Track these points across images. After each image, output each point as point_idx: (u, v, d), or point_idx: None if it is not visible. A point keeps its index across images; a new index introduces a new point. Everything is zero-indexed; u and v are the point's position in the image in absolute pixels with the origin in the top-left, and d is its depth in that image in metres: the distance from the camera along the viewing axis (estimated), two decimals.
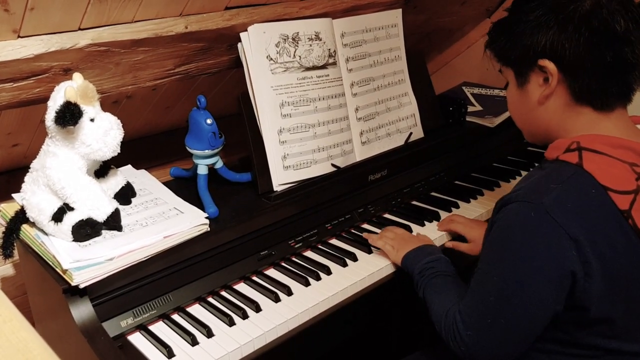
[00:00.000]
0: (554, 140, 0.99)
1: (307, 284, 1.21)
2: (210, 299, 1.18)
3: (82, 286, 1.01)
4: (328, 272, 1.25)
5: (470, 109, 1.84)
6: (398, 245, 1.26)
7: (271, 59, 1.33)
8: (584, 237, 0.86)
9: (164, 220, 1.17)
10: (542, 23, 0.92)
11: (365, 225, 1.45)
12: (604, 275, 0.87)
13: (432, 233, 1.40)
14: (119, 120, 1.12)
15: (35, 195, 1.10)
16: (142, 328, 1.10)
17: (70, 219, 1.08)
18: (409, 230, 1.41)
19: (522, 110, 1.03)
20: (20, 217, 1.14)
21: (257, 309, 1.14)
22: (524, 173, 1.72)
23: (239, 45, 1.31)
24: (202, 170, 1.29)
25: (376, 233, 1.40)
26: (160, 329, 1.10)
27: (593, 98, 0.93)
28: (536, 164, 1.75)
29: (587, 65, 0.90)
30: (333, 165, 1.44)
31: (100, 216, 1.11)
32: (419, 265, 1.16)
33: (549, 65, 0.92)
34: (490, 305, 0.93)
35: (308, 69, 1.39)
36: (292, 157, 1.37)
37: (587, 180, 0.88)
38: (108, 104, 1.30)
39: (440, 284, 1.11)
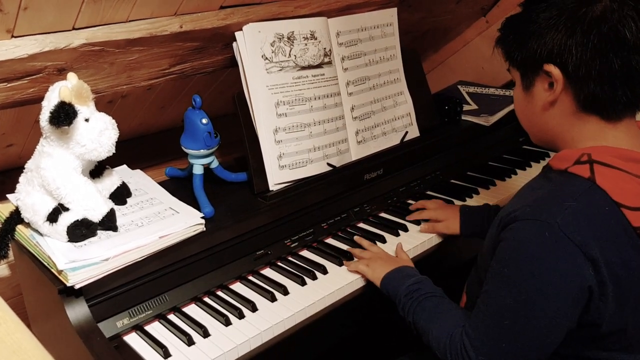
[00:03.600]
0: (560, 146, 0.95)
1: (303, 283, 1.21)
2: (207, 299, 1.18)
3: (77, 287, 1.01)
4: (324, 271, 1.25)
5: (465, 107, 1.84)
6: (374, 264, 1.22)
7: (266, 58, 1.33)
8: (600, 257, 0.83)
9: (160, 220, 1.17)
10: (550, 26, 0.88)
11: (362, 225, 1.45)
12: (616, 294, 0.85)
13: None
14: (113, 120, 1.12)
15: (30, 196, 1.10)
16: (138, 328, 1.09)
17: (66, 220, 1.07)
18: (405, 229, 1.41)
19: (527, 114, 0.99)
20: (15, 217, 1.14)
21: (253, 308, 1.13)
22: (519, 171, 1.72)
23: (234, 44, 1.31)
24: (198, 170, 1.29)
25: (372, 232, 1.40)
26: (156, 329, 1.10)
27: (599, 107, 0.89)
28: (532, 163, 1.77)
29: (594, 72, 0.86)
30: (329, 164, 1.44)
31: (96, 216, 1.10)
32: (403, 287, 1.11)
33: (554, 70, 0.88)
34: (505, 328, 0.89)
35: (303, 68, 1.39)
36: (287, 156, 1.36)
37: (601, 197, 0.85)
38: (103, 104, 1.30)
39: (433, 306, 1.06)
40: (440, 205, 1.44)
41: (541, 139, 1.01)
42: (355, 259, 1.28)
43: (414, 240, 1.36)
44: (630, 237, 0.85)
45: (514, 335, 0.88)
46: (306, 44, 1.39)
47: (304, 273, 1.24)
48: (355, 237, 1.35)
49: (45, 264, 1.07)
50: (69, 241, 1.08)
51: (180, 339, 1.06)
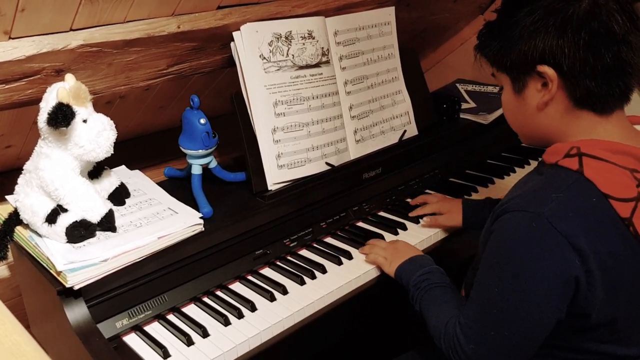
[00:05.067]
0: (552, 143, 0.96)
1: (302, 282, 1.21)
2: (206, 299, 1.18)
3: (76, 288, 1.01)
4: (323, 270, 1.25)
5: (464, 106, 1.84)
6: (391, 256, 1.24)
7: (264, 58, 1.33)
8: (587, 247, 0.84)
9: (158, 220, 1.17)
10: (539, 28, 0.89)
11: (360, 224, 1.45)
12: (605, 283, 0.86)
13: (428, 231, 1.40)
14: (111, 121, 1.12)
15: (28, 197, 1.10)
16: (138, 329, 1.10)
17: (64, 221, 1.08)
18: (404, 227, 1.41)
19: (519, 116, 1.00)
20: (14, 219, 1.14)
21: (253, 308, 1.14)
22: (517, 169, 1.73)
23: (232, 44, 1.31)
24: (196, 170, 1.29)
25: (371, 231, 1.40)
26: (155, 329, 1.10)
27: (593, 102, 0.90)
28: (530, 161, 1.77)
29: (588, 69, 0.87)
30: (327, 163, 1.44)
31: (94, 217, 1.10)
32: (413, 278, 1.14)
33: (548, 71, 0.89)
34: (493, 317, 0.91)
35: (301, 67, 1.39)
36: (286, 156, 1.37)
37: (588, 188, 0.87)
38: (101, 105, 1.30)
39: (436, 295, 1.09)
40: (441, 198, 1.47)
41: (534, 139, 1.02)
42: (373, 249, 1.29)
43: (413, 239, 1.36)
44: (618, 227, 0.87)
45: (501, 324, 0.90)
46: (304, 44, 1.39)
47: (303, 272, 1.24)
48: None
49: (44, 265, 1.07)
50: (67, 242, 1.08)
51: (180, 339, 1.06)
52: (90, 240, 1.10)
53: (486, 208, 1.37)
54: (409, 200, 1.54)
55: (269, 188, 1.35)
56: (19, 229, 1.14)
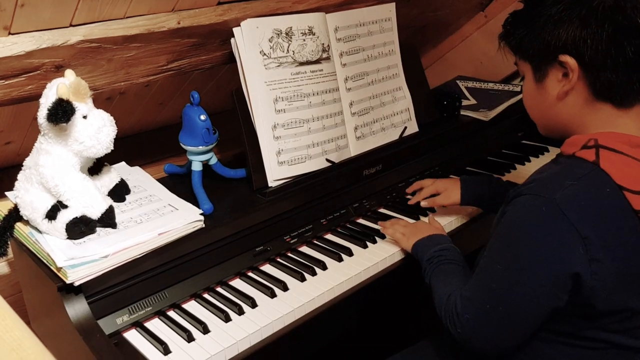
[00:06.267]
0: (570, 135, 0.98)
1: (302, 279, 1.21)
2: (206, 295, 1.18)
3: (77, 284, 1.01)
4: (324, 267, 1.25)
5: (464, 102, 1.84)
6: (409, 233, 1.28)
7: (264, 54, 1.33)
8: (595, 236, 0.85)
9: (159, 217, 1.16)
10: (563, 18, 0.90)
11: (361, 220, 1.45)
12: (616, 273, 0.87)
13: None
14: (111, 117, 1.12)
15: (28, 193, 1.10)
16: (138, 325, 1.10)
17: (64, 217, 1.07)
18: None
19: (539, 105, 1.01)
20: (14, 215, 1.14)
21: (253, 304, 1.14)
22: (518, 166, 1.73)
23: (232, 40, 1.31)
24: (197, 166, 1.29)
25: (371, 228, 1.40)
26: (156, 325, 1.10)
27: (613, 94, 0.91)
28: (531, 158, 1.77)
29: (608, 61, 0.88)
30: (328, 160, 1.44)
31: (95, 213, 1.10)
32: (428, 253, 1.18)
33: (570, 61, 0.91)
34: (491, 291, 0.94)
35: (302, 63, 1.39)
36: (286, 152, 1.36)
37: (603, 179, 0.88)
38: (101, 101, 1.30)
39: (446, 270, 1.12)
40: (436, 179, 1.48)
41: (552, 130, 1.04)
42: (394, 225, 1.33)
43: None
44: (631, 219, 0.87)
45: (497, 299, 0.93)
46: (304, 40, 1.39)
47: (304, 269, 1.24)
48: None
49: (45, 261, 1.07)
50: (67, 238, 1.08)
51: (180, 336, 1.06)
52: (91, 236, 1.10)
53: (485, 183, 1.40)
54: (409, 197, 1.53)
55: (269, 185, 1.35)
56: (19, 225, 1.14)
